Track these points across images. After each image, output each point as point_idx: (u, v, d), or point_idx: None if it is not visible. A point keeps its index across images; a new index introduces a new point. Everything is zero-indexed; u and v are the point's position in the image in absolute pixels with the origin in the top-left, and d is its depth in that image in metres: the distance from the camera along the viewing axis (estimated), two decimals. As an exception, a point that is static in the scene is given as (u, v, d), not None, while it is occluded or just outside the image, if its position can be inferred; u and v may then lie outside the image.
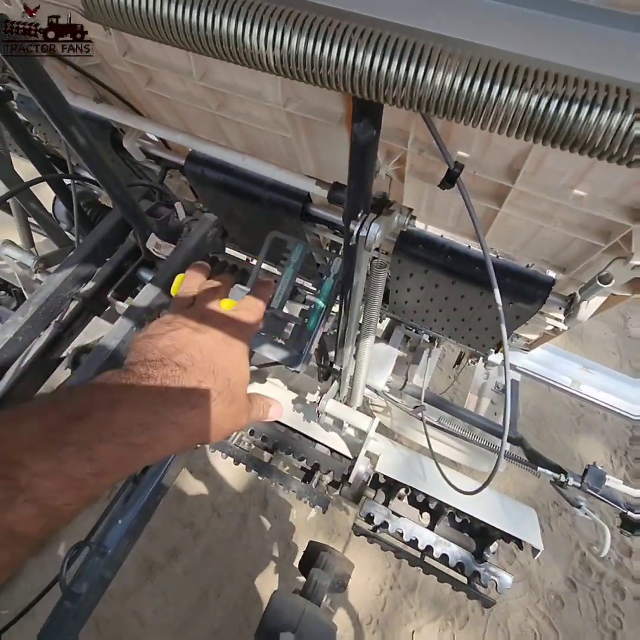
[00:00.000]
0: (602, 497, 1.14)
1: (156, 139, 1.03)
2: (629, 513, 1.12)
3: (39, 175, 0.97)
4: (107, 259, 0.92)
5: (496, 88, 0.33)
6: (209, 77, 0.70)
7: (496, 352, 1.22)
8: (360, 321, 0.88)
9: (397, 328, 1.42)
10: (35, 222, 1.20)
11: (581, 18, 0.33)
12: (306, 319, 0.85)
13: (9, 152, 1.05)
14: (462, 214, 0.81)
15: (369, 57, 0.35)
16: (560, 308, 0.84)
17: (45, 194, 1.10)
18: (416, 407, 1.30)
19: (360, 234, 0.59)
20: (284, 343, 0.85)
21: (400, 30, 0.36)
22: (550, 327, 0.97)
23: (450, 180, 0.61)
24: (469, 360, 1.59)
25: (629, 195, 0.57)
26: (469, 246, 0.85)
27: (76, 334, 0.93)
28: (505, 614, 1.85)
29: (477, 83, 0.34)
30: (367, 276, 0.80)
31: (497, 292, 0.65)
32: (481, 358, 1.46)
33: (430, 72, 0.34)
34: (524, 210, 0.65)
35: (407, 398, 1.36)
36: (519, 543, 1.09)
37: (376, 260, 0.78)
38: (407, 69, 0.35)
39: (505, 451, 1.24)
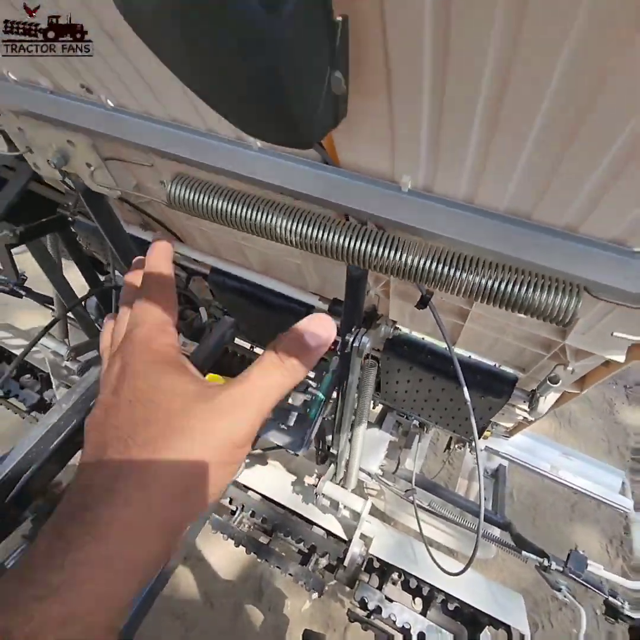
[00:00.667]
0: (584, 582, 1.20)
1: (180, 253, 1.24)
2: (611, 599, 1.17)
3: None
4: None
5: (450, 269, 0.51)
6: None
7: (479, 438, 1.34)
8: (355, 409, 1.02)
9: (389, 414, 1.55)
10: (71, 316, 1.38)
11: (545, 232, 0.51)
12: (308, 409, 0.99)
13: (61, 261, 1.25)
14: (446, 327, 0.99)
15: (359, 244, 0.54)
16: (524, 401, 0.98)
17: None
18: (408, 490, 1.38)
19: (354, 344, 0.76)
20: (287, 429, 0.98)
21: (385, 222, 0.55)
22: (521, 417, 1.11)
23: (423, 303, 0.79)
24: (456, 445, 1.69)
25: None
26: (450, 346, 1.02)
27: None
28: None
29: (430, 264, 0.52)
30: (360, 369, 0.95)
31: (465, 390, 0.80)
32: (467, 443, 1.57)
33: (397, 254, 0.53)
34: (483, 325, 0.83)
35: (400, 482, 1.45)
36: (508, 629, 1.13)
37: (367, 360, 0.94)
38: (382, 252, 0.53)
39: (494, 536, 1.31)
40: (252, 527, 1.34)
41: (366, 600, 1.19)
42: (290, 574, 1.26)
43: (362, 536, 1.23)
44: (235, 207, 0.57)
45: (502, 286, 0.50)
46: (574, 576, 1.20)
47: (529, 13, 0.32)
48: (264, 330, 1.33)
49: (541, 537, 2.30)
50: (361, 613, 1.22)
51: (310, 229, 0.55)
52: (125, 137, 0.65)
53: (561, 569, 1.18)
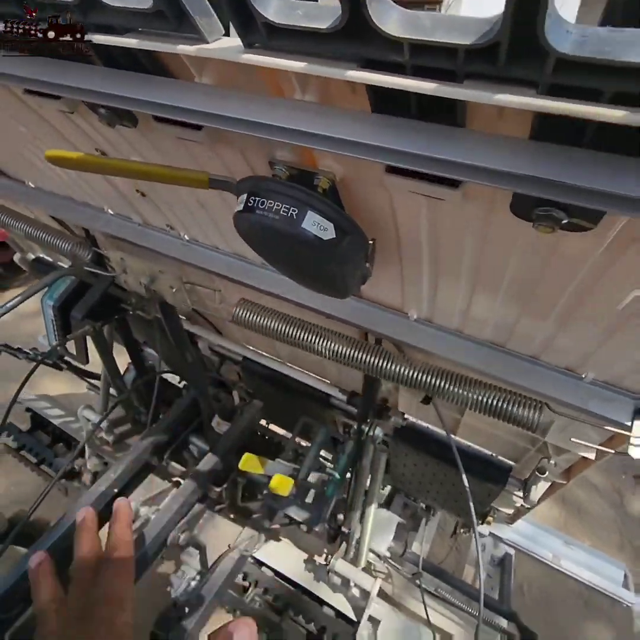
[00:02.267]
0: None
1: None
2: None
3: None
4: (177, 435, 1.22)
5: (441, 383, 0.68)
6: None
7: (482, 523, 1.42)
8: (366, 490, 1.14)
9: (398, 495, 1.63)
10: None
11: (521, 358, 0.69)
12: (325, 488, 1.11)
13: (113, 343, 1.44)
14: (448, 420, 1.13)
15: (371, 359, 0.71)
16: (519, 489, 1.10)
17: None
18: (414, 574, 1.44)
19: (369, 433, 0.91)
20: (305, 505, 1.10)
21: (396, 341, 0.73)
22: (518, 504, 1.20)
23: (426, 399, 0.95)
24: (462, 530, 1.74)
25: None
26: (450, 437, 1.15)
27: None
28: None
29: (423, 377, 0.69)
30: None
31: (464, 476, 0.93)
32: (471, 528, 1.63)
33: (398, 367, 0.70)
34: (477, 419, 0.97)
35: (407, 565, 1.50)
36: None
37: (379, 445, 1.08)
38: (387, 365, 0.70)
39: (500, 626, 1.35)
40: (263, 604, 1.38)
41: (373, 687, 1.21)
42: (300, 657, 1.29)
43: (371, 618, 1.27)
44: (282, 326, 0.76)
45: (482, 398, 0.66)
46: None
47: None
48: (290, 415, 1.48)
49: (552, 635, 2.22)
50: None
51: (336, 345, 0.72)
52: (200, 265, 0.86)
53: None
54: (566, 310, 0.57)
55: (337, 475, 1.12)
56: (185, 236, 0.91)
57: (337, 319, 0.78)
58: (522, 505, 1.20)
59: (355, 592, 1.25)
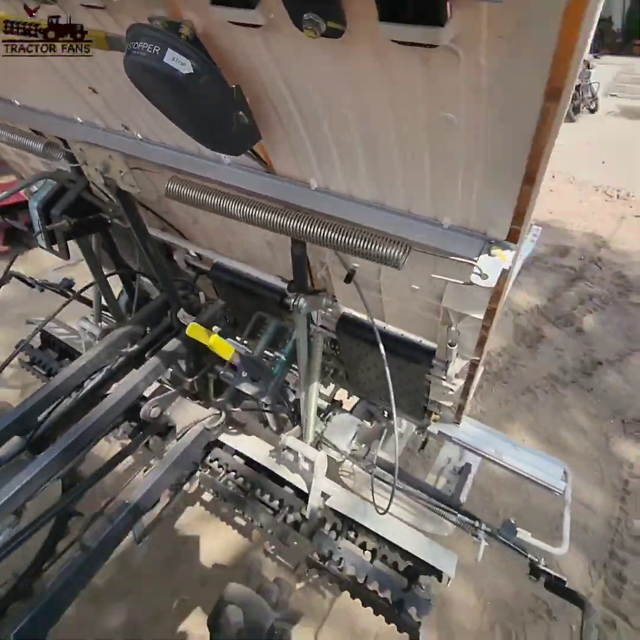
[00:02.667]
0: (512, 545, 1.36)
1: (194, 255, 1.59)
2: (532, 558, 1.33)
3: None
4: (148, 330, 1.40)
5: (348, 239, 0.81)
6: (227, 225, 1.25)
7: (423, 418, 1.57)
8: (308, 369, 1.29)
9: (360, 404, 1.79)
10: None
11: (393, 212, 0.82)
12: (273, 367, 1.27)
13: (101, 258, 1.63)
14: (374, 303, 1.26)
15: (297, 224, 0.85)
16: (442, 370, 1.23)
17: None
18: (368, 465, 1.61)
19: (295, 304, 1.05)
20: (256, 382, 1.26)
21: (302, 208, 0.87)
22: (449, 391, 1.33)
23: (348, 278, 1.08)
24: (421, 434, 1.88)
25: (435, 288, 1.00)
26: (385, 326, 1.29)
27: (119, 379, 1.37)
28: None
29: (318, 229, 0.82)
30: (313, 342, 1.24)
31: (383, 352, 1.07)
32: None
33: (297, 223, 0.83)
34: (393, 296, 1.10)
35: (367, 462, 1.67)
36: (438, 574, 1.30)
37: (315, 329, 1.23)
38: (288, 222, 0.84)
39: (442, 506, 1.51)
40: (233, 486, 1.58)
41: (322, 546, 1.39)
42: (261, 525, 1.49)
43: (323, 494, 1.45)
44: (206, 197, 0.90)
45: (361, 242, 0.79)
46: (503, 539, 1.37)
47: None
48: (247, 312, 1.62)
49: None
50: (317, 560, 1.43)
51: (247, 209, 0.87)
52: (149, 158, 1.01)
53: (489, 530, 1.36)
54: (401, 148, 0.69)
55: (283, 357, 1.28)
56: (138, 134, 1.06)
57: (255, 194, 0.92)
58: (450, 389, 1.31)
59: (304, 465, 1.41)
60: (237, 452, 1.57)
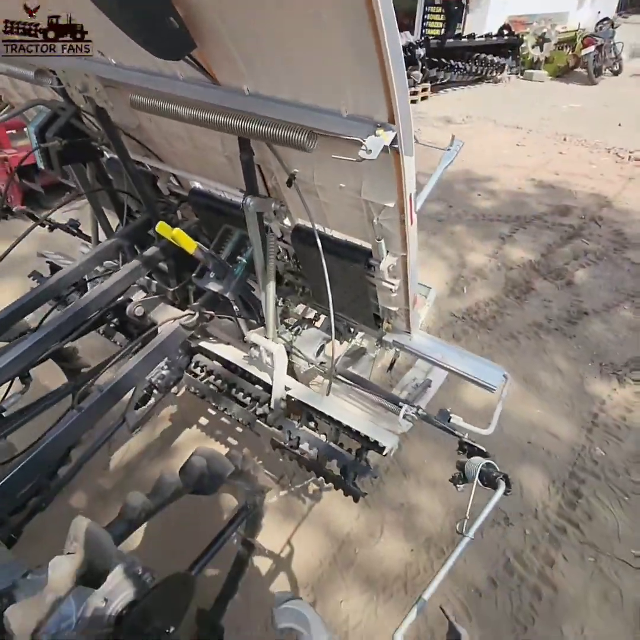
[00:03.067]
0: (445, 427, 1.57)
1: (175, 183, 1.80)
2: (464, 439, 1.54)
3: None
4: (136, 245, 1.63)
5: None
6: (192, 135, 1.45)
7: (378, 328, 1.77)
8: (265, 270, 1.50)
9: (326, 319, 2.00)
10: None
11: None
12: (235, 269, 1.49)
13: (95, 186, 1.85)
14: (317, 209, 1.43)
15: (226, 120, 1.05)
16: (380, 270, 1.42)
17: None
18: (326, 371, 1.83)
19: (244, 203, 1.26)
20: (219, 280, 1.48)
21: (236, 110, 1.06)
22: (392, 294, 1.52)
23: (289, 182, 1.27)
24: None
25: (357, 184, 1.18)
26: (331, 233, 1.48)
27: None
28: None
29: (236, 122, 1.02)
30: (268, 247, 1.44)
31: (322, 254, 1.28)
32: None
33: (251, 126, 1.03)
34: (329, 198, 1.29)
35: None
36: (379, 448, 1.52)
37: (270, 235, 1.43)
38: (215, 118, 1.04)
39: (395, 399, 1.71)
40: (211, 383, 1.84)
41: (283, 430, 1.64)
42: (232, 415, 1.74)
43: (286, 388, 1.68)
44: (162, 103, 1.10)
45: (278, 131, 0.98)
46: (439, 421, 1.58)
47: None
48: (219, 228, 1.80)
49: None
50: (280, 442, 1.68)
51: (193, 111, 1.06)
52: (116, 78, 1.21)
53: (429, 417, 1.57)
54: (300, 48, 0.88)
55: (244, 260, 1.49)
56: (113, 60, 1.26)
57: (204, 104, 1.12)
58: (390, 290, 1.50)
59: (267, 360, 1.64)
60: (215, 357, 1.81)
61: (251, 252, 1.47)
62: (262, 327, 1.67)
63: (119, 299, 1.55)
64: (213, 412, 2.82)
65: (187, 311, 1.57)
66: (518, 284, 4.23)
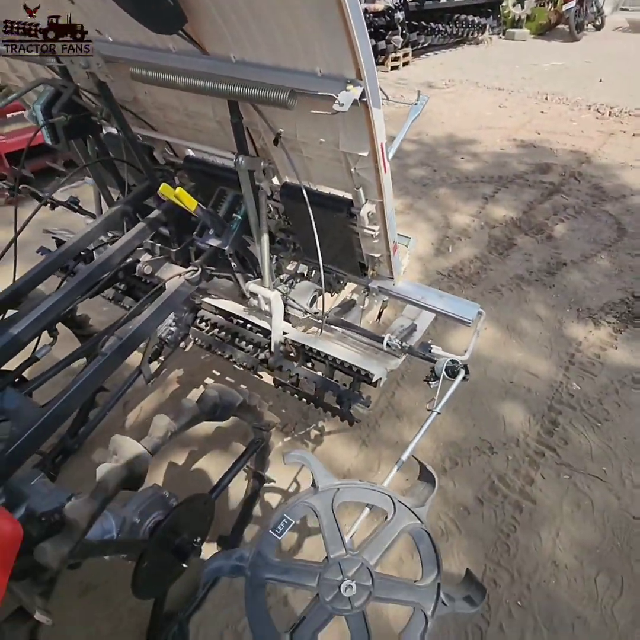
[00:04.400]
0: (424, 355, 1.78)
1: (170, 153, 1.95)
2: (434, 366, 1.74)
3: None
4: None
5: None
6: (185, 104, 1.60)
7: (363, 275, 1.96)
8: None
9: (316, 271, 2.18)
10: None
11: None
12: (232, 224, 1.66)
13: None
14: (301, 165, 1.59)
15: (216, 85, 1.21)
16: (361, 217, 1.60)
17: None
18: (319, 319, 2.03)
19: (236, 162, 1.42)
20: (219, 236, 1.65)
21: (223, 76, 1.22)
22: (373, 240, 1.70)
23: (275, 141, 1.44)
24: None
25: (335, 139, 1.35)
26: (316, 188, 1.65)
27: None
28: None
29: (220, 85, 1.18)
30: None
31: (309, 206, 1.45)
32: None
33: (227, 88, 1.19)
34: (312, 154, 1.46)
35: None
36: (368, 378, 1.73)
37: (261, 191, 1.60)
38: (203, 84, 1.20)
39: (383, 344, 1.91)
40: (215, 335, 2.03)
41: (283, 368, 1.84)
42: (235, 360, 1.94)
43: (284, 332, 1.88)
44: (159, 74, 1.25)
45: (258, 92, 1.15)
46: (421, 351, 1.78)
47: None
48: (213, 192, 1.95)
49: (476, 412, 2.82)
50: (282, 380, 1.88)
51: (186, 79, 1.22)
52: (114, 54, 1.36)
53: (412, 349, 1.77)
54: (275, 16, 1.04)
55: (239, 217, 1.66)
56: (110, 37, 1.40)
57: (196, 73, 1.27)
58: (372, 236, 1.68)
59: (266, 307, 1.83)
60: (218, 311, 2.00)
61: (245, 209, 1.64)
62: (259, 279, 1.86)
63: (128, 259, 1.72)
64: (218, 373, 3.04)
65: (190, 268, 1.75)
66: (500, 241, 4.41)
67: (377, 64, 10.38)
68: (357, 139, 1.29)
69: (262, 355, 1.94)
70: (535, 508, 2.35)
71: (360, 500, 1.31)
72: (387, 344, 1.75)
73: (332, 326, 2.09)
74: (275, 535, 1.24)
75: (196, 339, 2.04)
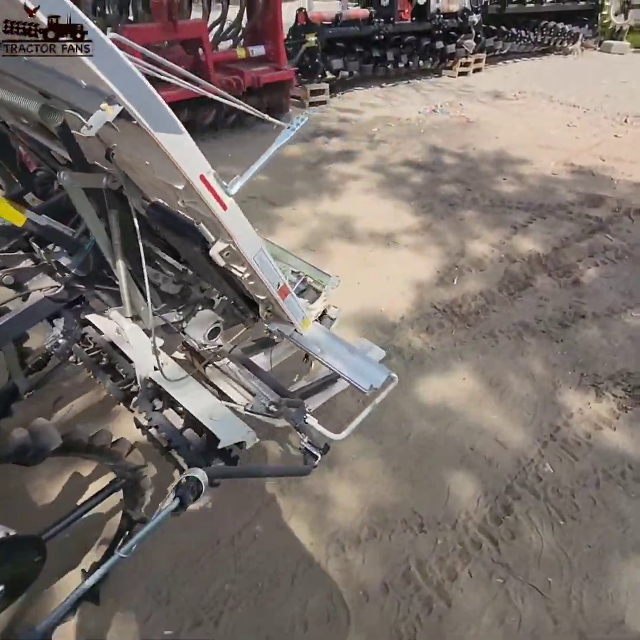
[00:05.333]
0: (297, 428, 1.49)
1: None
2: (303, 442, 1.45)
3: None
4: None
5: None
6: None
7: (260, 316, 1.69)
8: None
9: (221, 302, 1.93)
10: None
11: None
12: (86, 244, 1.46)
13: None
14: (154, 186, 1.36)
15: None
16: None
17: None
18: (215, 354, 1.79)
19: (59, 177, 1.21)
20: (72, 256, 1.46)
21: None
22: (251, 282, 1.43)
23: (107, 156, 1.21)
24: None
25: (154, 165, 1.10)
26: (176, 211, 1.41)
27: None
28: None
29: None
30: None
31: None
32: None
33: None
34: (146, 175, 1.21)
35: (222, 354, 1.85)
36: (214, 438, 1.47)
37: (111, 211, 1.39)
38: None
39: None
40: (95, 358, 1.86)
41: (141, 409, 1.63)
42: (107, 387, 1.76)
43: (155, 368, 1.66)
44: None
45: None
46: (293, 421, 1.50)
47: None
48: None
49: (419, 475, 2.45)
50: (141, 423, 1.67)
51: None
52: None
53: (285, 414, 1.49)
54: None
55: (90, 242, 1.46)
56: None
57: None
58: (245, 277, 1.41)
59: (123, 335, 1.61)
60: (98, 331, 1.83)
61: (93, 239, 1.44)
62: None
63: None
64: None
65: (54, 284, 1.57)
66: (516, 279, 3.91)
67: (445, 68, 9.84)
68: (170, 166, 1.03)
69: (134, 388, 1.74)
70: (448, 611, 1.97)
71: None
72: (252, 407, 1.49)
73: (230, 364, 1.85)
74: None
75: (76, 356, 1.88)
